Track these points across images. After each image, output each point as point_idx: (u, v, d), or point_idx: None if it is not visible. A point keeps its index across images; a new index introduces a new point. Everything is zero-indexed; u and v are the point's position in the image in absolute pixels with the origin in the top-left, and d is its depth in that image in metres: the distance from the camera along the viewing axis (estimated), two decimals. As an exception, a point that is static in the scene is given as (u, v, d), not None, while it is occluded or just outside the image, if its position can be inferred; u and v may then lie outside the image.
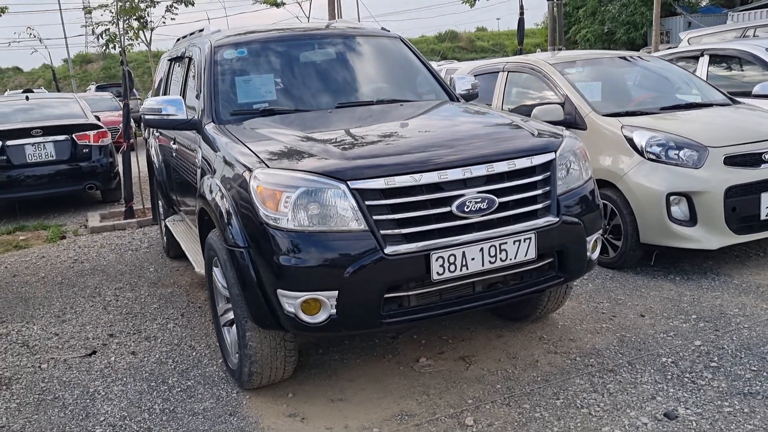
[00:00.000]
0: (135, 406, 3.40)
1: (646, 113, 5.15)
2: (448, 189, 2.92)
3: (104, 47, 11.49)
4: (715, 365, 3.35)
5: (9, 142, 8.20)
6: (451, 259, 2.87)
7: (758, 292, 4.28)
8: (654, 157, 4.64)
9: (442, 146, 3.07)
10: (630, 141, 4.77)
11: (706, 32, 9.83)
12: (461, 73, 7.01)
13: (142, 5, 24.34)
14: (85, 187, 8.62)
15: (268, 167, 2.96)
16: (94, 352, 4.11)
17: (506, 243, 2.96)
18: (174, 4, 25.66)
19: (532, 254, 3.03)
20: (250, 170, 3.00)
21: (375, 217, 2.83)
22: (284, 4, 27.23)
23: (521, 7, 11.64)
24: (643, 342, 3.68)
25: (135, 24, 25.08)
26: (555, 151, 3.21)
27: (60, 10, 41.78)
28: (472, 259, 2.91)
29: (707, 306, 4.12)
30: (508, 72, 6.22)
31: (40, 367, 3.96)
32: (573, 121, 5.23)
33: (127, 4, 25.01)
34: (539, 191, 3.11)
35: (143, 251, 6.57)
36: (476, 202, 2.92)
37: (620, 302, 4.30)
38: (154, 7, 25.98)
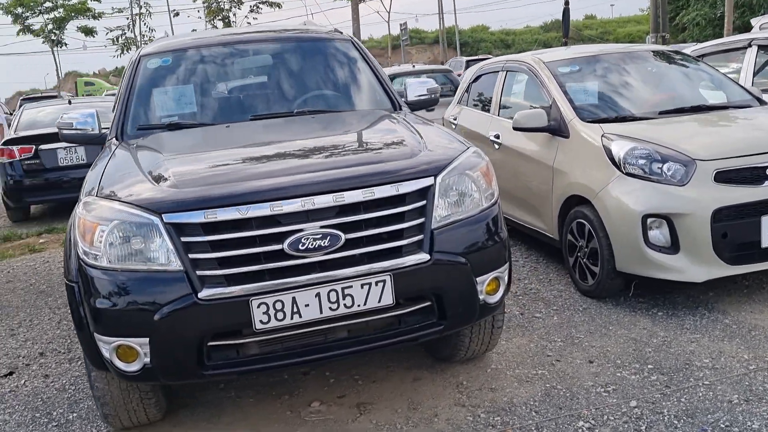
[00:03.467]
0: (4, 440, 3.24)
1: (641, 119, 4.46)
2: (286, 223, 2.53)
3: (121, 51, 11.73)
4: (637, 437, 2.75)
5: (42, 147, 8.46)
6: (278, 306, 2.47)
7: (746, 338, 3.55)
8: (634, 171, 3.97)
9: (288, 172, 2.67)
10: (608, 152, 4.12)
11: (780, 17, 8.60)
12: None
13: (227, 6, 24.83)
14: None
15: (97, 196, 2.68)
16: (12, 373, 4.01)
17: (351, 287, 2.53)
18: (258, 5, 26.12)
19: (388, 299, 2.57)
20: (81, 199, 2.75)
21: (192, 256, 2.48)
22: (366, -1, 26.83)
23: (566, -4, 10.76)
24: (571, 398, 3.11)
25: (220, 24, 25.75)
26: (436, 176, 2.72)
27: (148, 14, 43.73)
28: (306, 305, 2.50)
29: (675, 353, 3.46)
30: (507, 72, 5.63)
31: (-44, 386, 3.91)
32: (558, 128, 4.62)
33: (213, 6, 25.64)
34: (407, 224, 2.64)
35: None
36: (315, 239, 2.50)
37: (576, 342, 3.70)
38: (239, 8, 26.46)
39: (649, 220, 3.84)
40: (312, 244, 2.49)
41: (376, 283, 2.54)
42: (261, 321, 2.46)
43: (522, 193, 5.12)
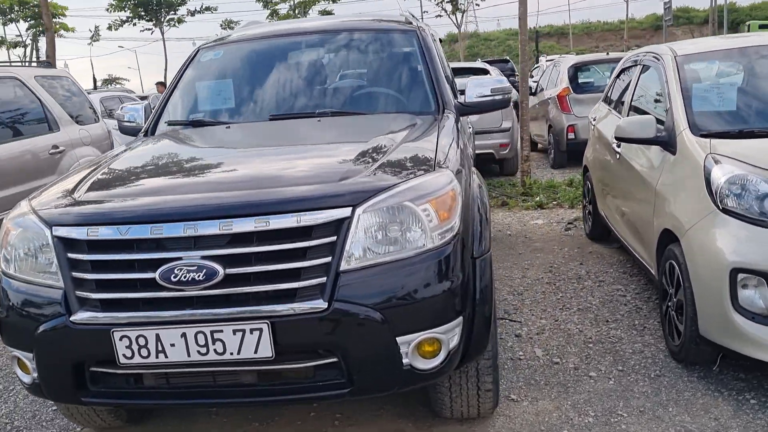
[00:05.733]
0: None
1: (781, 134, 3.34)
2: (170, 249, 2.24)
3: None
4: None
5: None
6: (141, 342, 2.20)
7: None
8: (733, 207, 2.97)
9: (174, 191, 2.40)
10: (708, 177, 3.14)
11: None
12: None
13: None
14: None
15: (29, 200, 2.64)
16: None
17: (222, 332, 2.17)
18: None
19: (266, 351, 2.16)
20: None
21: (75, 274, 2.30)
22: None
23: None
24: (545, 501, 2.41)
25: (449, 8, 25.79)
26: (355, 207, 2.22)
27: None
28: (172, 345, 2.19)
29: (731, 465, 2.52)
30: (642, 66, 4.63)
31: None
32: (667, 140, 3.66)
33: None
34: (308, 263, 2.19)
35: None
36: (188, 271, 2.17)
37: (612, 422, 2.89)
38: (467, -10, 26.23)
39: (740, 276, 2.85)
40: (185, 277, 2.17)
41: (251, 330, 2.15)
42: (125, 355, 2.22)
43: (632, 215, 4.21)
